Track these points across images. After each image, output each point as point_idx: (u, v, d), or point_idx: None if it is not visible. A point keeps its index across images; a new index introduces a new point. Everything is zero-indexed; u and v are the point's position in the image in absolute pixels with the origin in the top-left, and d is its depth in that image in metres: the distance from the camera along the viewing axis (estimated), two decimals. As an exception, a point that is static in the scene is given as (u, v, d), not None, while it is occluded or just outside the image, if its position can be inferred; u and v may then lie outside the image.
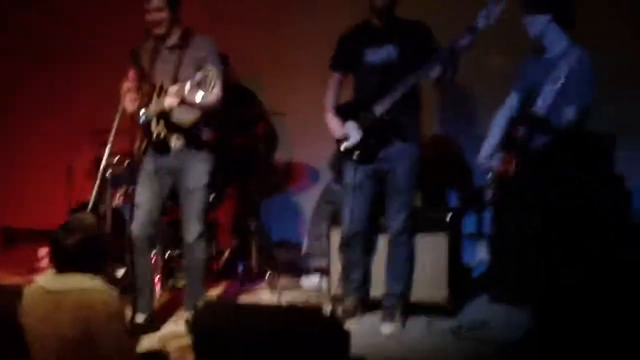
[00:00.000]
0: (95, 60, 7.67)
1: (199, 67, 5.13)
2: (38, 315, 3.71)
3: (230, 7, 7.43)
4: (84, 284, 3.69)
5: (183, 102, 4.98)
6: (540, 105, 4.59)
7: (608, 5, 6.23)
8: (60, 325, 3.64)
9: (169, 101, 4.97)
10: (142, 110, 5.20)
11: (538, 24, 4.62)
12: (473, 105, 6.84)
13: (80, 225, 3.76)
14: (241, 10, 7.45)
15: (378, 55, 5.33)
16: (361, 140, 5.36)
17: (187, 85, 4.84)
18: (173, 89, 4.95)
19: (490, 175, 4.81)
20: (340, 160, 5.56)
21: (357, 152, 5.36)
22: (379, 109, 5.27)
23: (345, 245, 5.60)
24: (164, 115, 5.20)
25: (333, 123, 5.47)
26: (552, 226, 4.66)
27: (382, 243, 5.66)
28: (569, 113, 4.54)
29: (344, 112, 5.46)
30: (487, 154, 4.83)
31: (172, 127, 5.27)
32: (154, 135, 5.22)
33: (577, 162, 4.73)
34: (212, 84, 4.73)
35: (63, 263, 3.74)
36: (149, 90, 5.27)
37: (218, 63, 5.26)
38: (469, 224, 6.51)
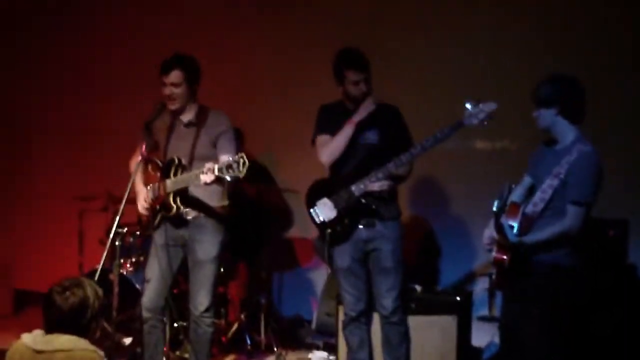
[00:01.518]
0: (111, 130, 7.79)
1: (214, 145, 5.20)
2: None
3: (245, 83, 7.54)
4: (71, 344, 3.67)
5: (216, 180, 4.93)
6: (537, 199, 4.55)
7: (615, 95, 6.31)
8: None
9: (206, 178, 4.85)
10: (156, 186, 5.26)
11: (545, 117, 4.64)
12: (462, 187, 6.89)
13: (76, 288, 3.72)
14: (255, 86, 7.56)
15: (357, 136, 5.35)
16: (334, 219, 5.37)
17: (217, 166, 4.80)
18: (206, 167, 4.85)
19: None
20: (327, 243, 5.46)
21: (328, 231, 5.37)
22: (357, 190, 5.30)
23: (349, 324, 5.57)
24: (182, 191, 5.22)
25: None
26: (557, 318, 4.61)
27: (377, 322, 5.64)
28: (570, 211, 4.51)
29: (319, 189, 5.46)
30: (491, 234, 4.79)
31: (189, 202, 5.29)
32: (174, 210, 5.22)
33: (587, 251, 4.66)
34: (244, 167, 4.70)
35: (54, 323, 3.71)
36: (163, 165, 5.30)
37: (233, 139, 5.31)
38: (479, 306, 6.48)
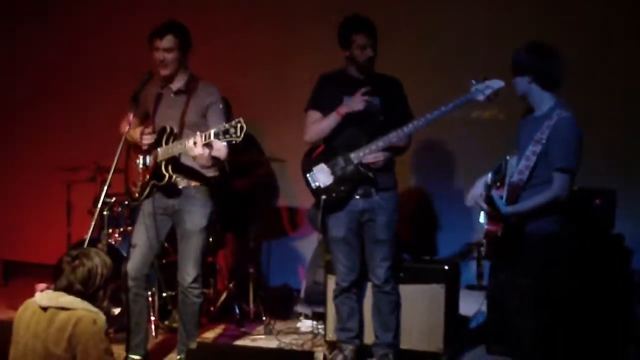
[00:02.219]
0: (99, 98, 7.78)
1: (203, 115, 5.18)
2: (31, 330, 3.80)
3: (232, 51, 7.52)
4: (76, 304, 3.79)
5: (210, 151, 4.96)
6: (522, 167, 4.57)
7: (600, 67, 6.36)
8: (49, 341, 3.74)
9: (197, 151, 4.86)
10: (148, 156, 5.25)
11: (520, 84, 4.70)
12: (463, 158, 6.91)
13: (85, 257, 3.88)
14: (242, 54, 7.54)
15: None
16: (330, 185, 5.37)
17: (213, 131, 4.79)
18: (196, 138, 4.86)
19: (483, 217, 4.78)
20: (322, 212, 5.48)
21: (323, 198, 5.37)
22: (356, 158, 5.30)
23: (340, 294, 5.60)
24: (174, 160, 5.20)
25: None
26: (546, 288, 4.64)
27: (369, 290, 5.68)
28: (557, 178, 4.53)
29: (317, 155, 5.45)
30: (478, 191, 4.83)
31: (181, 170, 5.27)
32: (166, 178, 5.21)
33: (575, 221, 4.68)
34: (241, 132, 4.70)
35: (62, 286, 3.84)
36: (155, 133, 5.28)
37: (223, 111, 5.30)
38: (467, 276, 6.52)
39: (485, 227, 4.65)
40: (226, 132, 4.71)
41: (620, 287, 5.53)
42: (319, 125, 5.42)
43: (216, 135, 4.75)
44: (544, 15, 6.55)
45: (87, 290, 3.84)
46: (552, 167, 4.51)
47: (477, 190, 4.74)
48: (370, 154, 5.28)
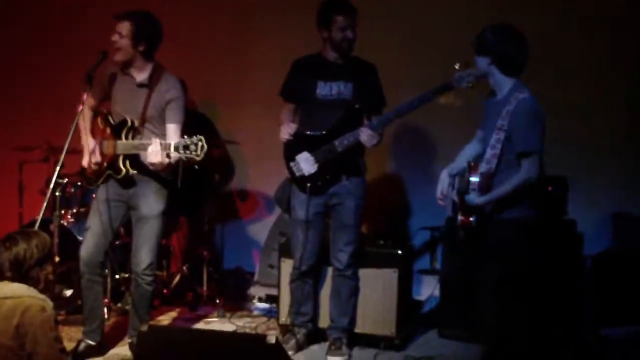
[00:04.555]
0: (55, 76, 7.68)
1: (163, 109, 5.14)
2: None
3: (188, 31, 7.45)
4: (20, 292, 3.75)
5: (169, 160, 4.92)
6: (489, 156, 4.58)
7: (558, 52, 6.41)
8: None
9: (155, 158, 4.85)
10: (106, 143, 5.20)
11: (480, 64, 4.71)
12: (428, 144, 6.90)
13: (13, 240, 3.84)
14: (198, 35, 7.49)
15: (331, 89, 5.37)
16: (315, 173, 5.37)
17: (173, 144, 4.78)
18: (156, 146, 4.84)
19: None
20: (290, 193, 5.53)
21: (308, 185, 5.37)
22: (340, 146, 5.29)
23: (297, 279, 5.61)
24: (133, 156, 5.15)
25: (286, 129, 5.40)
26: (507, 270, 4.70)
27: (327, 275, 5.70)
28: (523, 163, 4.57)
29: (298, 143, 5.40)
30: (445, 185, 4.87)
31: (138, 167, 5.20)
32: (123, 173, 5.15)
33: (534, 207, 4.74)
34: (202, 152, 4.70)
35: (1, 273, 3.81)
36: (115, 123, 5.23)
37: (182, 108, 5.25)
38: (420, 260, 6.57)
39: (460, 218, 4.67)
40: (186, 147, 4.72)
41: (573, 272, 5.63)
42: (281, 129, 5.42)
43: (176, 149, 4.75)
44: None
45: (16, 272, 3.80)
46: (516, 152, 4.54)
47: (444, 185, 4.79)
48: (353, 141, 5.25)
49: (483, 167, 4.60)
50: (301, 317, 5.66)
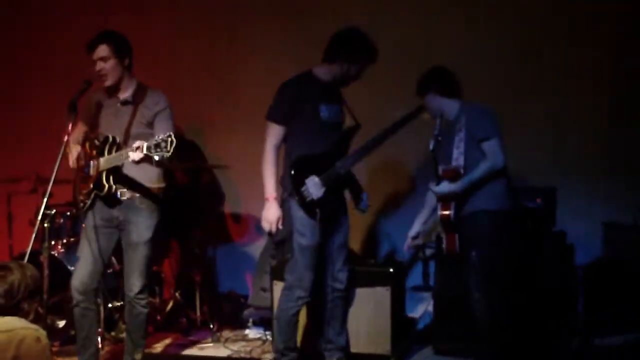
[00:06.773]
0: (43, 107, 7.65)
1: (150, 124, 5.14)
2: None
3: (175, 54, 7.48)
4: (11, 325, 3.68)
5: (146, 159, 4.87)
6: (456, 155, 4.97)
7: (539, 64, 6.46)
8: None
9: (134, 155, 4.79)
10: (92, 163, 5.19)
11: (430, 102, 5.18)
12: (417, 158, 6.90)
13: (18, 269, 3.80)
14: (186, 64, 7.51)
15: (331, 111, 5.32)
16: (323, 197, 5.24)
17: (145, 145, 4.73)
18: (135, 145, 4.78)
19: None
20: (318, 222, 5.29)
21: (318, 210, 5.21)
22: (342, 168, 5.28)
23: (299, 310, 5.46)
24: (116, 170, 5.14)
25: (272, 210, 5.25)
26: (491, 260, 4.97)
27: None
28: (486, 149, 4.96)
29: (305, 167, 5.26)
30: (416, 231, 5.44)
31: (123, 182, 5.21)
32: (106, 189, 5.14)
33: (520, 219, 4.93)
34: (171, 147, 4.66)
35: None
36: (99, 143, 5.22)
37: (170, 118, 5.26)
38: (412, 277, 6.56)
39: (439, 212, 5.02)
40: (157, 146, 4.69)
41: (565, 283, 5.65)
42: (266, 168, 5.27)
43: (148, 149, 4.72)
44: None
45: (9, 302, 3.74)
46: (477, 141, 4.94)
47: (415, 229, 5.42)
48: (355, 162, 5.33)
49: (453, 163, 5.01)
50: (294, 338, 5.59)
